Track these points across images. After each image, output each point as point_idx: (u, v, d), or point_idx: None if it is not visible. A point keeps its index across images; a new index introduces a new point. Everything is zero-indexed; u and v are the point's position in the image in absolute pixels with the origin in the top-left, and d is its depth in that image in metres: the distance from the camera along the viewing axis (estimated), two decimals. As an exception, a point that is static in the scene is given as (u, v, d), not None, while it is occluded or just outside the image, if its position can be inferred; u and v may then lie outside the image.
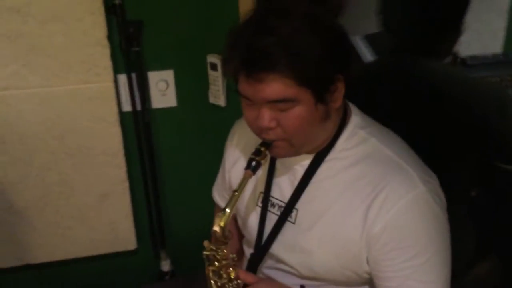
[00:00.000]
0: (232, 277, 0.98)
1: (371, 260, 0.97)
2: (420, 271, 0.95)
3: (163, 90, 1.54)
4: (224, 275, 0.99)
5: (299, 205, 1.04)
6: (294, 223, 1.05)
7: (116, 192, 1.59)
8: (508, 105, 1.30)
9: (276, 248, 1.08)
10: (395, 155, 0.99)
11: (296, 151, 1.00)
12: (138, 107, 1.52)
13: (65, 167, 1.52)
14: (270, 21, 0.89)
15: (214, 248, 0.97)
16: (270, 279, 1.03)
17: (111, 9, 1.40)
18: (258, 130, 0.97)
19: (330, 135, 1.01)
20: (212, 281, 1.01)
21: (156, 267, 1.75)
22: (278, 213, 1.08)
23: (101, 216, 1.61)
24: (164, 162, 1.62)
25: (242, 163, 1.18)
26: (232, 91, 1.50)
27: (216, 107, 1.55)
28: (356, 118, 1.04)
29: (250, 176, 0.96)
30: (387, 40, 1.47)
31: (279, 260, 1.09)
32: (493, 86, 1.39)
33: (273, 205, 1.10)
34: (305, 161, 1.04)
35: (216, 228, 0.95)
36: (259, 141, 1.10)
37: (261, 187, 1.12)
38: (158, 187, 1.63)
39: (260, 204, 1.12)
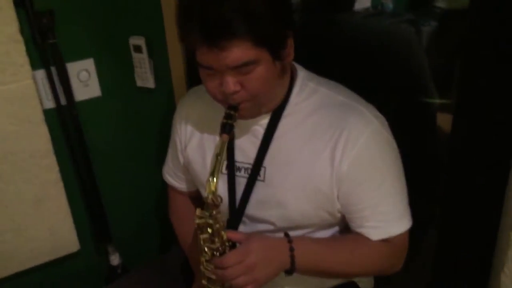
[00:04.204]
0: (224, 239, 1.01)
1: (342, 196, 1.06)
2: (387, 195, 1.06)
3: (85, 80, 1.47)
4: (217, 239, 1.01)
5: (266, 162, 1.10)
6: (264, 181, 1.10)
7: (51, 194, 1.50)
8: (414, 45, 1.47)
9: (251, 208, 1.12)
10: (345, 98, 1.08)
11: (258, 111, 1.05)
12: (61, 102, 1.45)
13: (-9, 178, 1.41)
14: None
15: (207, 213, 0.99)
16: (257, 233, 1.08)
17: (18, 2, 1.30)
18: (222, 96, 1.00)
19: (285, 91, 1.08)
20: (206, 248, 1.03)
21: (103, 264, 1.70)
22: (246, 175, 1.12)
23: (37, 223, 1.52)
24: (97, 155, 1.56)
25: (198, 137, 1.20)
26: (160, 72, 1.50)
27: (145, 90, 1.53)
28: (301, 73, 1.12)
29: (227, 139, 0.99)
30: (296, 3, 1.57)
31: (255, 220, 1.14)
32: (401, 29, 1.55)
33: (239, 169, 1.13)
34: (263, 120, 1.09)
35: (207, 194, 0.97)
36: (209, 115, 1.15)
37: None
38: (95, 182, 1.57)
39: (225, 171, 1.15)
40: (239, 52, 0.92)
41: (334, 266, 1.07)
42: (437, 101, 1.52)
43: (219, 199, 1.00)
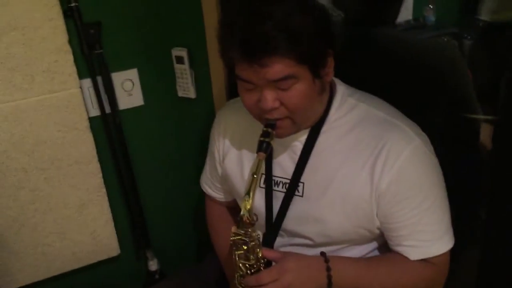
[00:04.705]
0: (260, 256, 1.02)
1: (381, 214, 1.04)
2: (427, 215, 1.03)
3: (129, 90, 1.51)
4: (252, 256, 1.01)
5: (304, 178, 1.09)
6: (302, 196, 1.10)
7: (94, 200, 1.55)
8: (457, 61, 1.44)
9: (289, 223, 1.12)
10: (386, 115, 1.07)
11: (297, 128, 1.04)
12: (106, 111, 1.49)
13: (38, 182, 1.45)
14: (264, 7, 0.92)
15: (242, 231, 1.00)
16: (293, 252, 1.07)
17: (67, 13, 1.35)
18: (260, 112, 1.00)
19: (323, 108, 1.07)
20: (240, 264, 1.03)
21: (141, 269, 1.74)
22: (284, 190, 1.12)
23: (80, 227, 1.56)
24: (139, 163, 1.60)
25: (236, 150, 1.21)
26: (201, 82, 1.52)
27: (186, 100, 1.55)
28: (341, 88, 1.11)
29: (264, 158, 0.99)
30: (338, 16, 1.56)
31: (292, 234, 1.13)
32: (444, 45, 1.52)
33: (276, 183, 1.13)
34: (303, 136, 1.09)
35: (243, 212, 0.98)
36: (248, 127, 1.15)
37: (262, 169, 1.15)
38: (136, 188, 1.60)
39: (263, 185, 1.15)
40: (280, 67, 0.92)
41: (371, 287, 1.06)
42: (482, 117, 1.49)
43: (254, 218, 1.00)
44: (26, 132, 1.39)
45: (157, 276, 1.70)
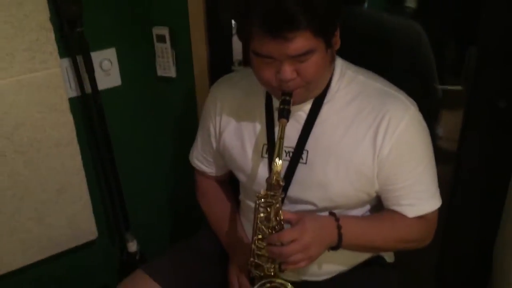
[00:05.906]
0: (282, 218, 1.07)
1: (381, 177, 1.13)
2: (422, 175, 1.14)
3: (107, 70, 1.49)
4: (273, 218, 1.07)
5: (308, 146, 1.16)
6: (306, 163, 1.16)
7: (73, 183, 1.52)
8: (423, 37, 1.57)
9: (293, 189, 1.18)
10: (383, 86, 1.15)
11: (308, 96, 1.11)
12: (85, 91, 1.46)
13: (16, 167, 1.40)
14: None
15: (271, 193, 1.05)
16: (309, 213, 1.13)
17: (48, -11, 1.31)
18: (277, 84, 1.05)
19: (329, 78, 1.14)
20: (263, 227, 1.08)
21: (119, 251, 1.72)
22: (288, 158, 1.18)
23: (58, 212, 1.53)
24: (118, 144, 1.58)
25: (235, 123, 1.25)
26: (181, 62, 1.53)
27: (165, 79, 1.55)
28: (339, 60, 1.18)
29: (286, 124, 1.05)
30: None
31: (296, 201, 1.19)
32: (411, 23, 1.64)
33: None
34: (306, 106, 1.15)
35: (273, 175, 1.03)
36: (244, 101, 1.20)
37: (263, 140, 1.20)
38: (116, 170, 1.59)
39: (265, 155, 1.20)
40: (300, 42, 0.97)
41: (375, 242, 1.15)
42: (450, 87, 1.63)
43: (283, 180, 1.06)
44: (5, 114, 1.34)
45: (137, 257, 1.70)
